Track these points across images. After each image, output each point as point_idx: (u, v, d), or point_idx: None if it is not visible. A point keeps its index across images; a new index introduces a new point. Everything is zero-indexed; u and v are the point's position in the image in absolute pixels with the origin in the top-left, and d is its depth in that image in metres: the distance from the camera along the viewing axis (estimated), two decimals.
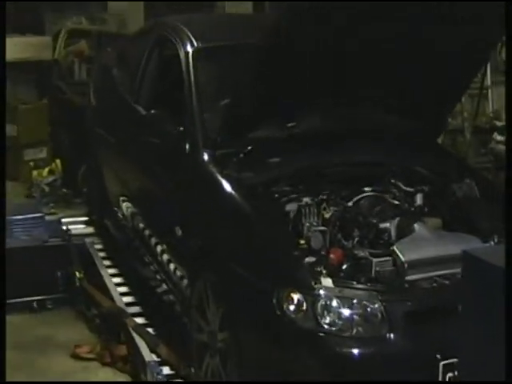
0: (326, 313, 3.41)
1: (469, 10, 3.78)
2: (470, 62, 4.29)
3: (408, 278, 3.61)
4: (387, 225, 3.87)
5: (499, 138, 6.50)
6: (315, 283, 3.43)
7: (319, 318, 3.40)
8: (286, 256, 3.63)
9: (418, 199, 4.18)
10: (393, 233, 3.86)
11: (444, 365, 3.36)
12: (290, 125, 4.31)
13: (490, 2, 3.75)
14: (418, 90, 4.33)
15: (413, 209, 4.10)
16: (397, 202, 4.10)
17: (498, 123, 6.74)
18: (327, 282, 3.44)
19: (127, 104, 5.23)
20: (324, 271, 3.50)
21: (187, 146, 4.32)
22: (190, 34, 4.75)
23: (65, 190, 7.69)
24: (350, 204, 4.01)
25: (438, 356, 3.38)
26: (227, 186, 4.01)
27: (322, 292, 3.42)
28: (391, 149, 4.40)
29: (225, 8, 12.35)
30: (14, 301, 5.42)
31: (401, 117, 4.62)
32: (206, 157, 4.21)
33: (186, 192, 4.27)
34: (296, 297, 3.43)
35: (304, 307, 3.42)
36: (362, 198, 4.06)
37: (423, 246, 3.71)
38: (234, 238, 3.84)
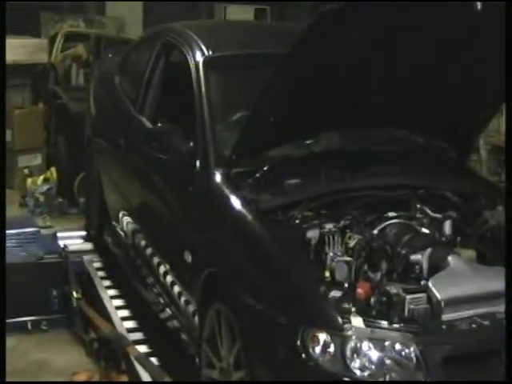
0: (355, 356, 3.09)
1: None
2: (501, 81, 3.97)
3: (444, 317, 3.28)
4: (419, 257, 3.53)
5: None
6: (344, 323, 3.11)
7: (348, 361, 3.08)
8: (310, 290, 3.28)
9: (447, 227, 3.86)
10: (424, 266, 3.53)
11: None
12: (308, 142, 4.02)
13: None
14: (445, 109, 4.05)
15: (444, 238, 3.77)
16: (425, 231, 3.77)
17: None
18: (358, 321, 3.12)
19: (130, 114, 4.91)
20: (353, 309, 3.18)
21: (197, 164, 3.99)
22: (199, 42, 4.42)
23: (60, 200, 7.46)
24: (375, 232, 3.68)
25: None
26: (242, 210, 3.68)
27: (351, 333, 3.09)
28: (416, 171, 4.10)
29: (225, 14, 12.09)
30: (6, 321, 5.10)
31: (426, 137, 4.37)
32: (218, 176, 3.87)
33: (196, 214, 3.93)
34: (322, 337, 3.11)
35: (331, 349, 3.10)
36: (388, 225, 3.73)
37: (461, 282, 3.37)
38: (252, 267, 3.49)
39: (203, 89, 4.14)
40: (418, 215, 3.84)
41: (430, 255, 3.53)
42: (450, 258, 3.50)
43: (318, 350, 3.10)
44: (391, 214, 3.78)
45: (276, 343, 3.24)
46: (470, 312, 3.31)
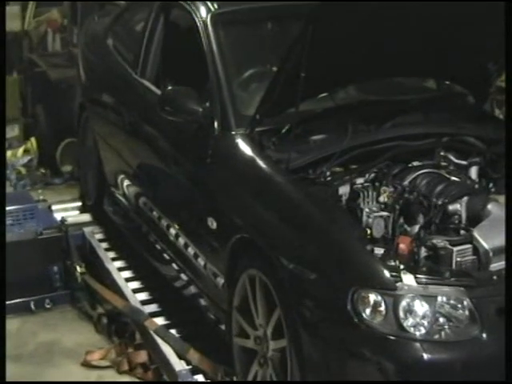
0: (408, 315, 2.94)
1: None
2: None
3: (492, 267, 3.15)
4: (457, 206, 3.39)
5: (499, 97, 6.04)
6: (395, 281, 2.96)
7: (402, 321, 2.93)
8: (357, 249, 3.10)
9: (473, 173, 3.74)
10: (463, 215, 3.40)
11: None
12: (327, 96, 3.83)
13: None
14: (461, 55, 3.88)
15: (477, 186, 3.63)
16: (455, 179, 3.62)
17: (499, 82, 6.20)
18: (409, 279, 2.96)
19: (131, 78, 4.65)
20: (402, 266, 3.02)
21: (216, 125, 3.78)
22: None
23: (42, 171, 7.19)
24: (406, 183, 3.53)
25: None
26: (271, 170, 3.49)
27: (404, 291, 2.94)
28: (439, 119, 3.96)
29: None
30: (8, 302, 4.88)
31: (443, 84, 4.28)
32: (241, 137, 3.67)
33: (219, 179, 3.72)
34: (372, 298, 2.96)
35: (382, 309, 2.95)
36: (419, 175, 3.57)
37: (504, 230, 3.24)
38: (290, 229, 3.29)
39: (214, 46, 3.92)
40: (443, 163, 3.71)
41: (468, 204, 3.40)
42: (490, 206, 3.37)
43: (368, 311, 2.96)
44: (416, 163, 3.64)
45: (322, 308, 3.08)
46: None
